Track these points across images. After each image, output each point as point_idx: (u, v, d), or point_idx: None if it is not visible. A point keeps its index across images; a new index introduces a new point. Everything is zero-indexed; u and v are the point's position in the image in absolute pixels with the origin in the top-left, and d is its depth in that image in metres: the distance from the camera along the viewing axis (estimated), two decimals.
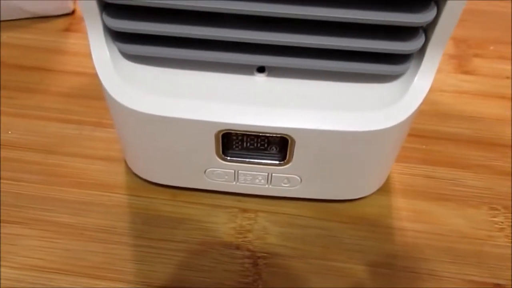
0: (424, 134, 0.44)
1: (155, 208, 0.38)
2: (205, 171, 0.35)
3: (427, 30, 0.29)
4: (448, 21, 0.27)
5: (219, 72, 0.31)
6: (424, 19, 0.27)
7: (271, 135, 0.31)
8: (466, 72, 0.50)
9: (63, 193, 0.39)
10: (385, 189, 0.39)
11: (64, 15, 0.54)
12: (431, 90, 0.30)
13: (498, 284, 0.35)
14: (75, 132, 0.43)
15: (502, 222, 0.38)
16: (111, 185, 0.39)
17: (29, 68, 0.48)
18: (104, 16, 0.28)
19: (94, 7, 0.28)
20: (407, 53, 0.29)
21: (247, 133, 0.31)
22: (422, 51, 0.29)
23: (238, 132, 0.31)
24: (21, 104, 0.45)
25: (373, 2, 0.27)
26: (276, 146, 0.33)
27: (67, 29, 0.52)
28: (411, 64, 0.30)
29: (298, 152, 0.32)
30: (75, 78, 0.48)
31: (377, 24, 0.27)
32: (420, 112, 0.31)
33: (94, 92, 0.46)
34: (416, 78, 0.30)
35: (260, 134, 0.31)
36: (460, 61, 0.51)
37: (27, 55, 0.50)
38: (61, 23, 0.53)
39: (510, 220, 0.38)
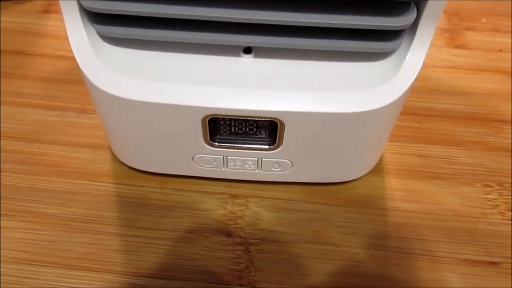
0: (416, 112, 0.43)
1: (143, 196, 0.37)
2: (193, 158, 0.34)
3: (419, 3, 0.27)
4: None
5: (204, 54, 0.30)
6: None
7: (259, 119, 0.30)
8: (458, 46, 0.49)
9: (47, 182, 0.38)
10: (377, 169, 0.39)
11: None
12: (423, 66, 0.30)
13: (493, 262, 0.35)
14: (58, 119, 0.42)
15: (495, 199, 0.38)
16: (97, 174, 0.38)
17: (6, 52, 0.47)
18: None
19: None
20: (398, 29, 0.28)
21: (235, 117, 0.30)
22: (414, 26, 0.28)
23: (225, 116, 0.30)
24: (0, 90, 0.43)
25: None
26: (265, 130, 0.32)
27: (46, 11, 0.51)
28: (403, 40, 0.29)
29: (288, 136, 0.31)
30: (55, 62, 0.46)
31: None
32: (412, 89, 0.30)
33: (76, 77, 0.43)
34: (408, 55, 0.29)
35: (248, 118, 0.30)
36: (452, 35, 0.50)
37: (4, 39, 0.48)
38: (39, 4, 0.52)
39: (503, 197, 0.38)
